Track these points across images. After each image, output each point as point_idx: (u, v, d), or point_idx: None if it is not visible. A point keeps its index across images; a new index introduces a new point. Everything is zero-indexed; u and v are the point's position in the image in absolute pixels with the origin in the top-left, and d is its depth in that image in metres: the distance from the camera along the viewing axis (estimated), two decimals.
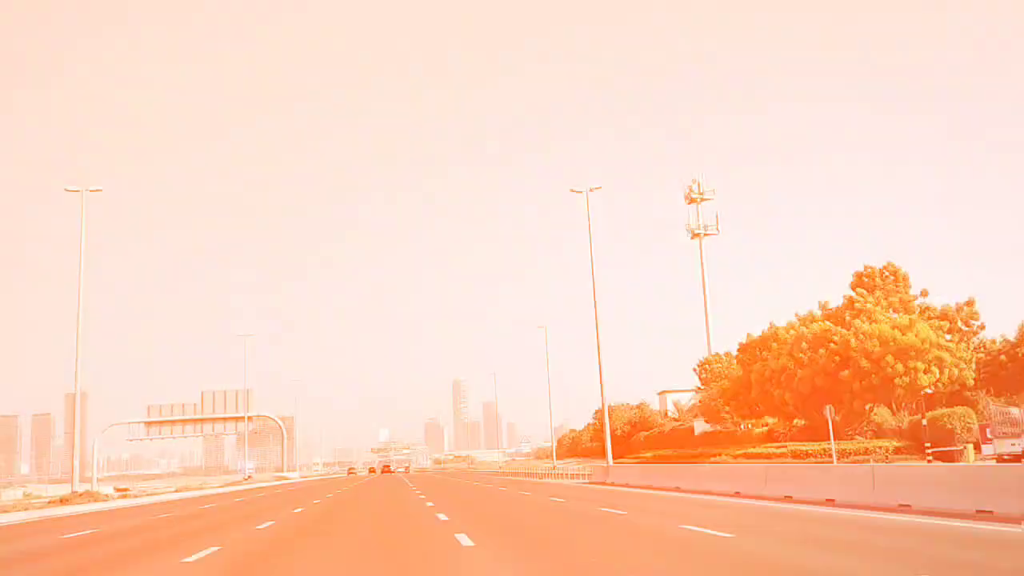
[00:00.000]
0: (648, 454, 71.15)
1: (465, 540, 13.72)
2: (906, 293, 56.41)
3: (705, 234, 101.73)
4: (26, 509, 36.09)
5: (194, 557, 13.08)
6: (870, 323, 51.34)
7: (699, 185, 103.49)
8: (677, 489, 30.13)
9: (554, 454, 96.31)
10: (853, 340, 50.69)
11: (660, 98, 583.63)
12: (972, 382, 51.44)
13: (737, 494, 24.90)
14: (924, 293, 56.64)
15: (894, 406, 53.54)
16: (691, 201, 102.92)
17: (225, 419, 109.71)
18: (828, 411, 37.45)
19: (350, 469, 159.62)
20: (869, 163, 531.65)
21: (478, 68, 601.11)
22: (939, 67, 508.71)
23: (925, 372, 49.30)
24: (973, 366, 51.52)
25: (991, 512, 14.75)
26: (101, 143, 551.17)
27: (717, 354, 79.94)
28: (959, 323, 55.17)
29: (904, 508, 17.34)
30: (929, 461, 39.07)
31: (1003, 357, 54.23)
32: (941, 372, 49.85)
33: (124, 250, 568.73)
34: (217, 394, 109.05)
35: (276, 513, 24.96)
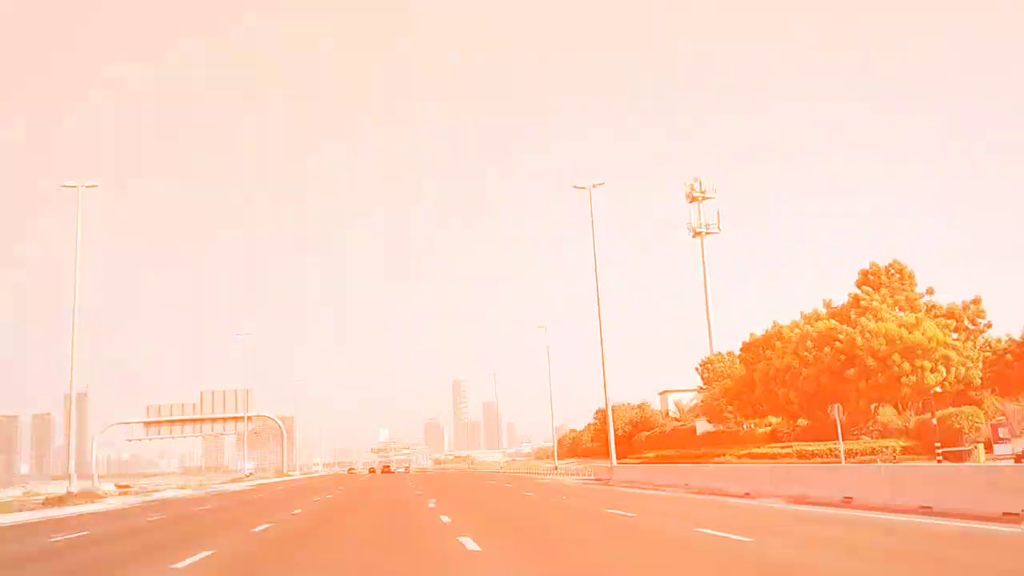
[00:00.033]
0: (651, 454, 70.53)
1: (470, 544, 13.06)
2: (912, 291, 55.71)
3: (706, 233, 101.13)
4: (21, 510, 35.46)
5: (184, 563, 12.43)
6: (876, 321, 50.68)
7: (700, 184, 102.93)
8: (685, 489, 29.53)
9: (555, 454, 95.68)
10: (859, 338, 50.02)
11: (661, 97, 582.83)
12: (979, 381, 50.83)
13: (747, 495, 24.28)
14: (930, 291, 55.94)
15: (900, 405, 52.91)
16: (692, 200, 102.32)
17: (224, 419, 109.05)
18: (836, 410, 36.78)
19: (350, 469, 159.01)
20: (870, 162, 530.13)
21: (478, 68, 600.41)
22: (940, 66, 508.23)
23: (932, 371, 48.65)
24: (980, 365, 50.89)
25: (1017, 515, 14.12)
26: (100, 142, 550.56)
27: (719, 353, 79.24)
28: (965, 321, 54.50)
29: (925, 510, 16.71)
30: (939, 461, 38.41)
31: (1009, 356, 53.60)
32: (948, 371, 49.20)
33: (124, 249, 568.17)
34: (216, 394, 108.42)
35: (273, 514, 24.31)
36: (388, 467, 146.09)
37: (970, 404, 48.49)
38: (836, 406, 37.35)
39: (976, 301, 54.95)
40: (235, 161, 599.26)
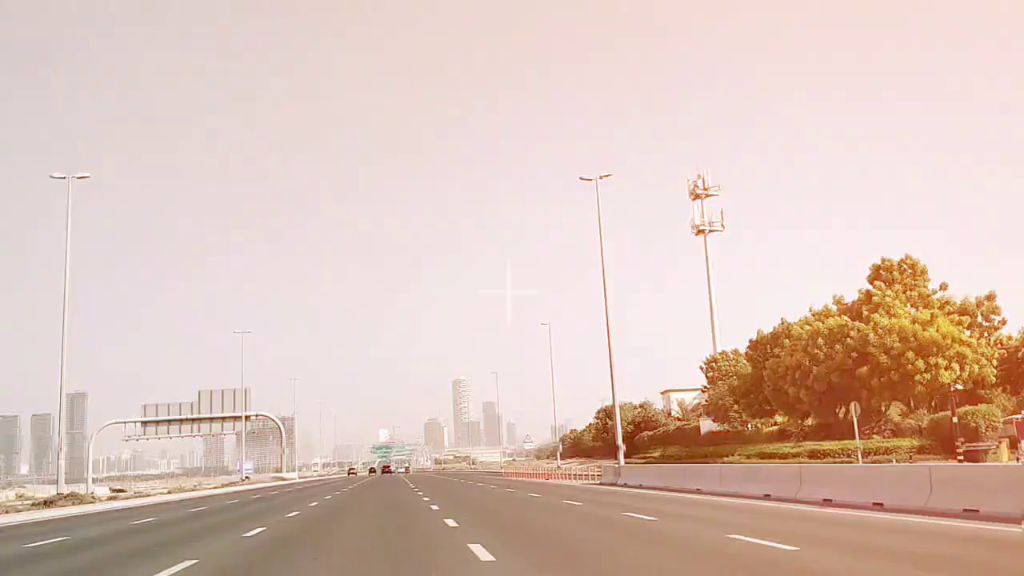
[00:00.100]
0: (656, 453, 69.37)
1: (483, 553, 11.73)
2: (925, 287, 54.49)
3: (710, 230, 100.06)
4: (7, 512, 34.16)
5: (163, 574, 11.13)
6: (889, 318, 49.42)
7: (704, 181, 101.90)
8: (698, 491, 28.21)
9: (559, 454, 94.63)
10: (872, 335, 48.75)
11: (663, 95, 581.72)
12: (994, 379, 49.66)
13: (767, 497, 22.96)
14: (943, 287, 54.70)
15: (912, 404, 51.72)
16: (695, 197, 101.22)
17: (223, 419, 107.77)
18: (853, 408, 35.59)
19: (350, 469, 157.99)
20: (872, 161, 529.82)
21: (479, 67, 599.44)
22: (942, 64, 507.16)
23: (946, 369, 47.44)
24: (995, 363, 49.71)
25: None
26: (98, 141, 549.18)
27: (724, 352, 78.03)
28: (979, 318, 53.31)
29: (970, 514, 15.36)
30: (960, 460, 37.22)
31: (1021, 353, 52.45)
32: (962, 369, 48.01)
33: (124, 249, 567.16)
34: (215, 393, 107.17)
35: (266, 518, 22.99)
36: (388, 467, 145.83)
37: (980, 402, 47.40)
38: (854, 404, 36.20)
39: (990, 297, 53.81)
40: (235, 160, 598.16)
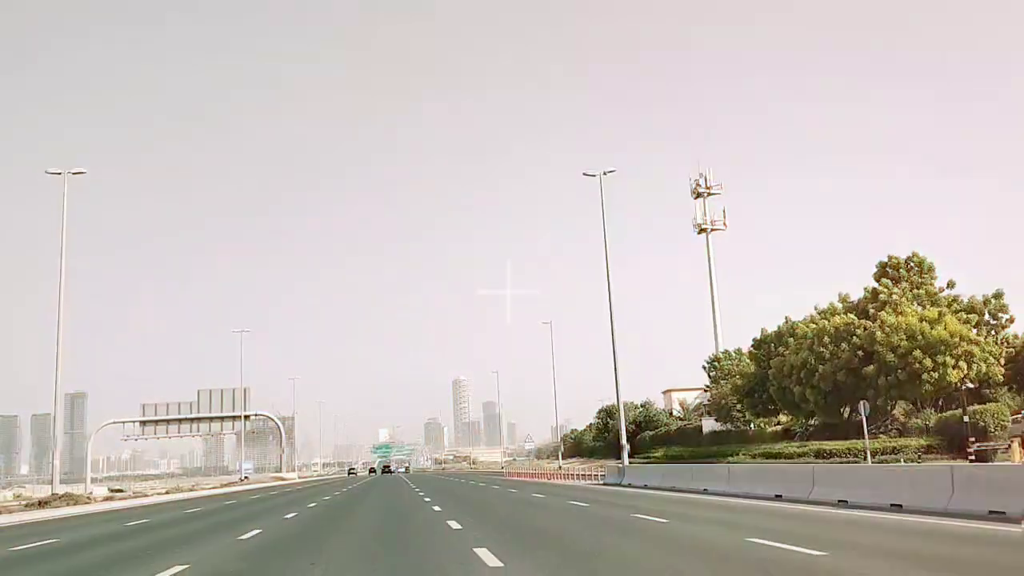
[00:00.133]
0: (658, 453, 68.69)
1: (490, 558, 11.05)
2: (932, 285, 53.80)
3: (712, 230, 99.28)
4: (0, 512, 33.47)
5: None
6: (897, 315, 48.75)
7: (706, 179, 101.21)
8: (705, 492, 27.56)
9: (561, 453, 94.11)
10: (879, 333, 48.08)
11: (665, 94, 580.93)
12: (1002, 378, 49.03)
13: (779, 498, 22.31)
14: (950, 284, 54.00)
15: (919, 403, 51.08)
16: (698, 196, 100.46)
17: (222, 418, 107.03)
18: (862, 407, 34.89)
19: (351, 469, 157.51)
20: (873, 160, 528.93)
21: (480, 66, 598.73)
22: (945, 62, 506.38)
23: (954, 367, 46.78)
24: (1002, 361, 49.09)
25: None
26: (98, 140, 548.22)
27: (727, 351, 77.38)
28: (987, 316, 52.62)
29: (997, 516, 14.70)
30: (971, 459, 36.60)
31: None
32: (969, 367, 47.35)
33: (124, 249, 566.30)
34: (214, 392, 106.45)
35: (263, 520, 22.33)
36: (388, 467, 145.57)
37: (984, 402, 46.78)
38: (863, 402, 35.52)
39: (998, 295, 53.10)
40: (235, 156, 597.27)
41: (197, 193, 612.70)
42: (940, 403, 50.71)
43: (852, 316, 51.99)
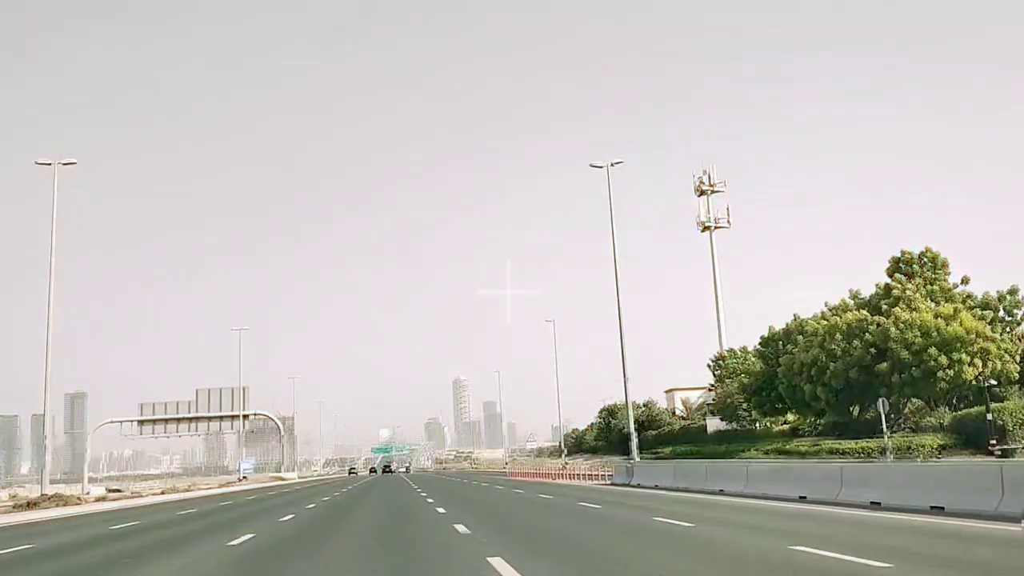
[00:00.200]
0: (666, 451, 67.46)
1: (505, 568, 9.82)
2: (945, 280, 52.61)
3: (715, 227, 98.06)
4: None
5: None
6: (911, 312, 47.54)
7: (710, 177, 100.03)
8: (721, 492, 26.30)
9: (564, 451, 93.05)
10: (893, 330, 46.87)
11: (667, 93, 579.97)
12: (1017, 375, 47.85)
13: (803, 499, 21.05)
14: (965, 280, 52.76)
15: (933, 401, 49.94)
16: (701, 193, 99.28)
17: (221, 418, 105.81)
18: (880, 404, 33.79)
19: (351, 469, 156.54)
20: (875, 159, 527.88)
21: (481, 66, 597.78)
22: (951, 59, 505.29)
23: (969, 364, 45.62)
24: (1017, 358, 47.92)
25: None
26: (98, 140, 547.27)
27: (732, 349, 76.19)
28: (1001, 312, 51.43)
29: None
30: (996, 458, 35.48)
31: None
32: (984, 364, 46.19)
33: (124, 249, 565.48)
34: (212, 391, 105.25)
35: (257, 523, 21.09)
36: (389, 466, 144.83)
37: (994, 400, 45.61)
38: (881, 400, 34.41)
39: (1013, 291, 51.91)
40: (235, 156, 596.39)
41: (197, 193, 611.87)
42: (955, 401, 49.59)
43: (864, 312, 50.80)
